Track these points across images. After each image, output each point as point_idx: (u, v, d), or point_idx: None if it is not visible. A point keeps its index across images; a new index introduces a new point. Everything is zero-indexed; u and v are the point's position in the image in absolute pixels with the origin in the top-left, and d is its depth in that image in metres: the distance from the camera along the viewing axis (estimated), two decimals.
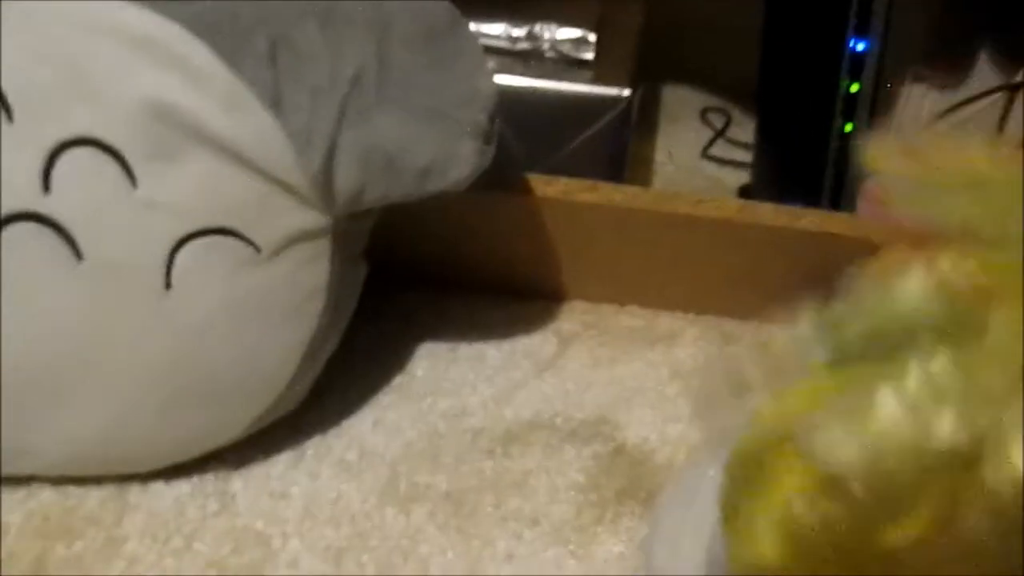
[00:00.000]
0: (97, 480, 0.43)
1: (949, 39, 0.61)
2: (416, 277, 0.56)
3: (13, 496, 0.43)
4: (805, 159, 0.59)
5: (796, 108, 0.59)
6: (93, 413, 0.39)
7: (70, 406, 0.39)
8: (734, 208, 0.53)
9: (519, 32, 0.60)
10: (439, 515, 0.43)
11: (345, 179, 0.39)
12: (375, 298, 0.49)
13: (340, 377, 0.48)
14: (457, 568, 0.41)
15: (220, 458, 0.44)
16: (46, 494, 0.43)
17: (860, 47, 0.53)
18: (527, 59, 0.60)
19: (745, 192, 0.70)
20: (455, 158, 0.40)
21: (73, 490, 0.43)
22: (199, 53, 0.36)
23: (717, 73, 0.78)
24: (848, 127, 0.56)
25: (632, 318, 0.56)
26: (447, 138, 0.40)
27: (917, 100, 0.63)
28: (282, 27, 0.38)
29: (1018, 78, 0.61)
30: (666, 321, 0.56)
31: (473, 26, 0.59)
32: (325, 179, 0.39)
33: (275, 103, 0.37)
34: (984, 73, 0.62)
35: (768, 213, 0.53)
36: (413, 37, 0.40)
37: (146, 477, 0.43)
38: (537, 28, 0.60)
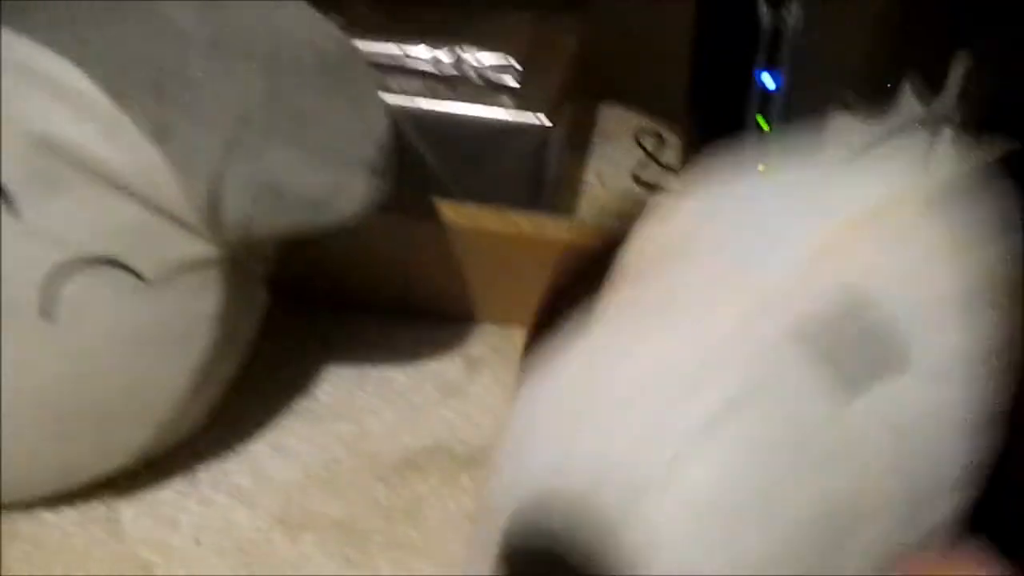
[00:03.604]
0: None
1: (875, 70, 0.62)
2: (321, 296, 0.56)
3: None
4: None
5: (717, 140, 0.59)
6: None
7: None
8: None
9: (445, 56, 0.60)
10: (330, 543, 0.44)
11: (232, 211, 0.39)
12: (285, 319, 0.49)
13: (239, 400, 0.48)
14: None
15: (111, 484, 0.44)
16: None
17: (770, 84, 0.53)
18: (452, 84, 0.60)
19: None
20: (345, 192, 0.40)
21: None
22: (84, 86, 0.37)
23: (654, 95, 0.79)
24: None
25: None
26: (337, 172, 0.40)
27: (845, 132, 0.63)
28: (169, 60, 0.38)
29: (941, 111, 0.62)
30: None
31: (399, 49, 0.60)
32: (212, 210, 0.39)
33: (160, 135, 0.37)
34: (909, 106, 0.62)
35: None
36: (305, 69, 0.40)
37: (31, 504, 0.43)
38: (464, 53, 0.61)
